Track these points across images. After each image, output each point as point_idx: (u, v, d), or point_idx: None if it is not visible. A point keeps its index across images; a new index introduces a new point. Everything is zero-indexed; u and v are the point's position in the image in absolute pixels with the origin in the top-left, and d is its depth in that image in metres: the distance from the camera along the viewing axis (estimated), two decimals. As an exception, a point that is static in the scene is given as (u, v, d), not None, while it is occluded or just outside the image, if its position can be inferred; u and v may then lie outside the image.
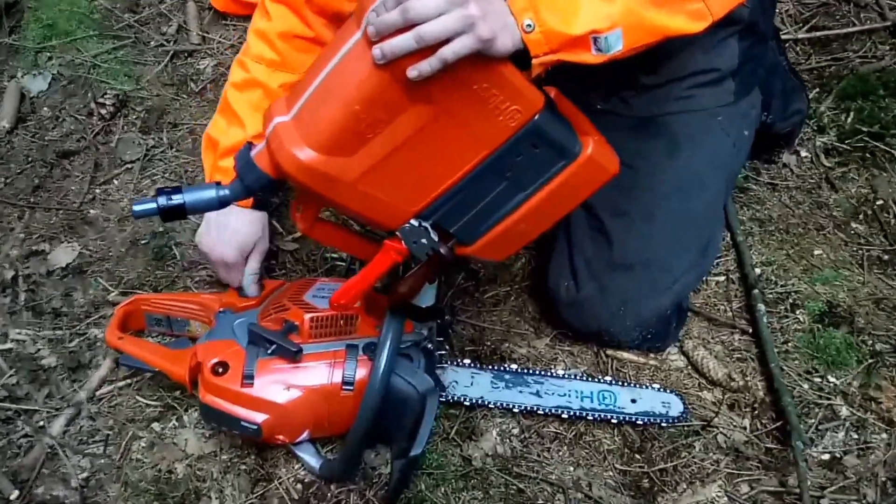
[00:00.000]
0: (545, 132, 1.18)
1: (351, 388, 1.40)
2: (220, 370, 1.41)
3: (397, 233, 1.24)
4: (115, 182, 1.99)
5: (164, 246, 1.84)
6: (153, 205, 1.21)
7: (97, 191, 1.97)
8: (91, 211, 1.93)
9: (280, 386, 1.40)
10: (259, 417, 1.40)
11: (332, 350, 1.43)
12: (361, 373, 1.40)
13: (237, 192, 1.23)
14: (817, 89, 2.16)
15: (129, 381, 1.64)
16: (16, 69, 2.19)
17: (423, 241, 1.24)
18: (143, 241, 1.86)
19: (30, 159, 2.02)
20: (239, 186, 1.22)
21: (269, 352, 1.40)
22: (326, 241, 1.37)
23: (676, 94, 1.58)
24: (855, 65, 2.21)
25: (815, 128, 2.09)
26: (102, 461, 1.54)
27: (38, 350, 1.69)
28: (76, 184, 1.98)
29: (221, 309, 1.53)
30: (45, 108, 2.13)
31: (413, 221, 1.22)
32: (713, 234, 1.68)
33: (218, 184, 1.23)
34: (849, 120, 2.09)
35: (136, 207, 1.22)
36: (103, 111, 2.08)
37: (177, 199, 1.21)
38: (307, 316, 1.43)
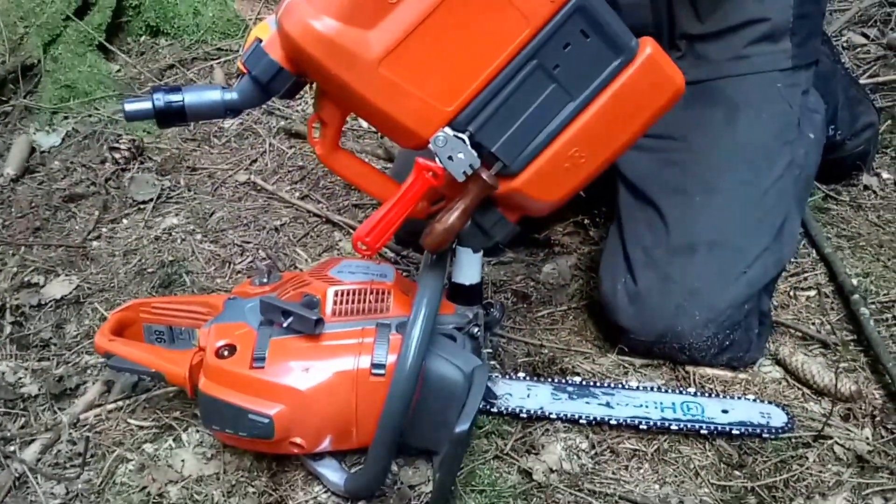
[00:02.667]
0: (596, 11, 1.02)
1: (382, 372, 1.15)
2: (226, 353, 1.17)
3: (430, 145, 1.04)
4: (125, 221, 1.81)
5: (174, 274, 1.63)
6: (148, 104, 1.06)
7: (103, 229, 1.79)
8: (95, 244, 1.74)
9: (297, 368, 1.15)
10: (272, 408, 1.14)
11: (360, 328, 1.19)
12: (395, 356, 1.14)
13: (246, 93, 1.07)
14: (889, 121, 1.99)
15: (119, 403, 1.38)
16: (28, 127, 2.08)
17: (461, 155, 1.04)
18: (149, 271, 1.65)
19: (33, 204, 1.86)
20: (247, 84, 1.06)
21: (285, 326, 1.16)
22: (345, 172, 1.17)
23: (730, 52, 1.42)
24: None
25: (894, 155, 1.91)
26: (80, 486, 1.25)
27: (19, 379, 1.45)
28: (80, 223, 1.80)
29: (231, 297, 1.30)
30: (56, 162, 1.99)
31: (447, 130, 1.03)
32: (789, 217, 1.43)
33: (224, 87, 1.07)
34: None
35: (129, 107, 1.06)
36: (117, 155, 1.93)
37: (176, 98, 1.05)
38: (331, 289, 1.21)
